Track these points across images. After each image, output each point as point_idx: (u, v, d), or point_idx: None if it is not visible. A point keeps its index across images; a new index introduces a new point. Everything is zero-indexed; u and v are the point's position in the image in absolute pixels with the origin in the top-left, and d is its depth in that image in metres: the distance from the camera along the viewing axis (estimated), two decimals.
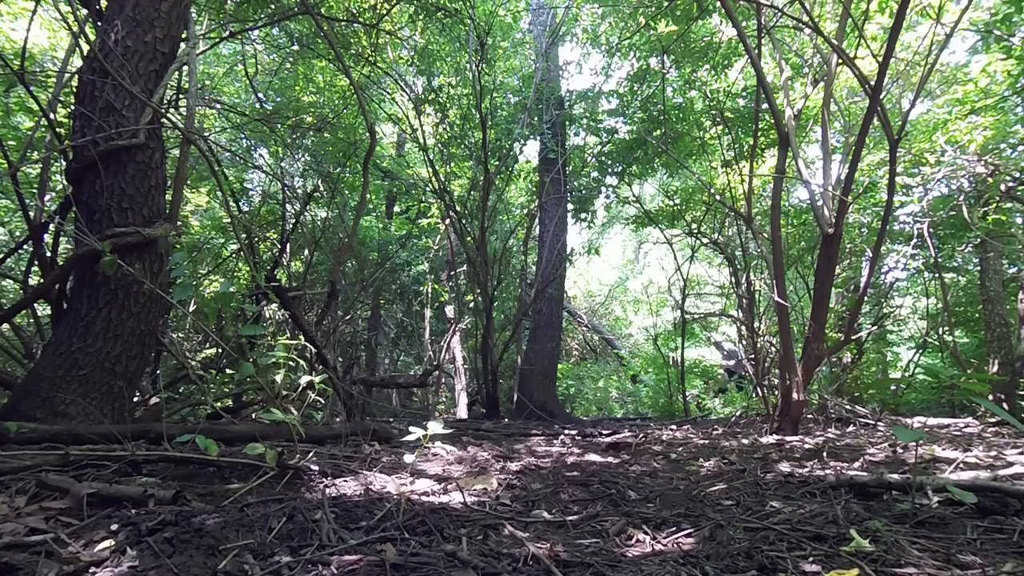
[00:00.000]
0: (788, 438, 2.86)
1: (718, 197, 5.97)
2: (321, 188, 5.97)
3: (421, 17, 5.20)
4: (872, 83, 2.49)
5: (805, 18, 3.32)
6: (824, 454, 2.14)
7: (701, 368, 10.31)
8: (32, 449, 1.56)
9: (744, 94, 6.02)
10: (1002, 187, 5.18)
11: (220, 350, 4.54)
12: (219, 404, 3.49)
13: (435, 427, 1.60)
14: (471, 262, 6.07)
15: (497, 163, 6.11)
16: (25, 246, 3.50)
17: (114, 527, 0.96)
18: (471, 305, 7.37)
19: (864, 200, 6.54)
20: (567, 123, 7.29)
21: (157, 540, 0.89)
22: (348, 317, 6.49)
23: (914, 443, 1.36)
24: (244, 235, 4.62)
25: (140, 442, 1.73)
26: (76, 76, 2.43)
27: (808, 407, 3.74)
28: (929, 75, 2.93)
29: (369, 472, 1.68)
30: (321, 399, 2.40)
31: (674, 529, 1.10)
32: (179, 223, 3.03)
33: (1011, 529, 1.06)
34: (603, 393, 10.86)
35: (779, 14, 3.72)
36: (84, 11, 2.69)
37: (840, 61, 3.76)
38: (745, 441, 2.89)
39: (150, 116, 2.35)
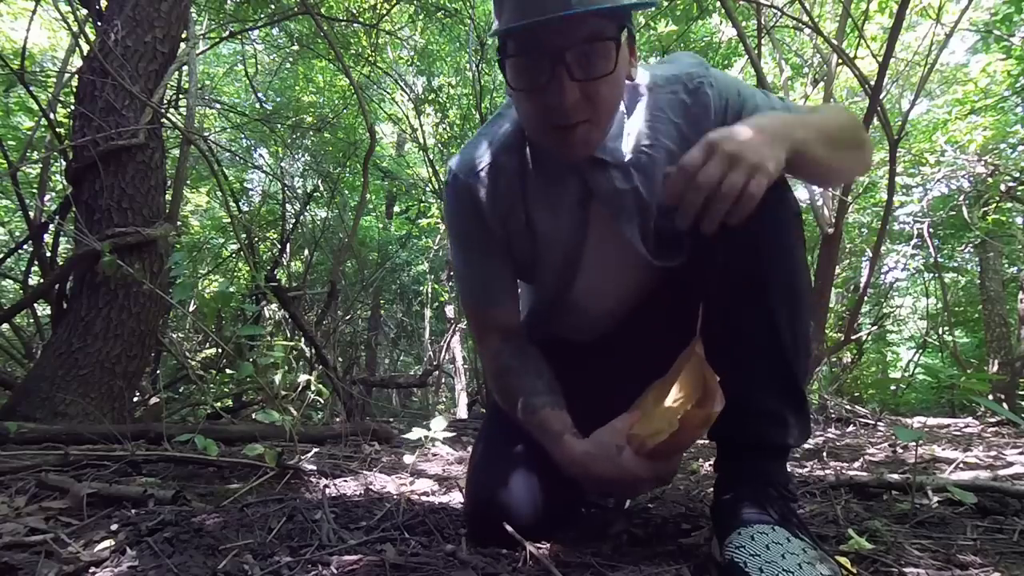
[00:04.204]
0: None
1: None
2: (321, 188, 5.97)
3: (421, 17, 5.20)
4: (872, 83, 2.49)
5: (805, 18, 3.32)
6: (824, 454, 2.14)
7: None
8: (32, 449, 1.56)
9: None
10: (1002, 187, 5.18)
11: (220, 350, 4.55)
12: (219, 404, 3.49)
13: (438, 425, 1.59)
14: None
15: None
16: (25, 246, 3.50)
17: (114, 527, 0.96)
18: None
19: (864, 200, 6.54)
20: None
21: (157, 540, 0.88)
22: (348, 317, 6.49)
23: (914, 443, 1.36)
24: (244, 235, 4.62)
25: (140, 442, 1.73)
26: (76, 76, 2.44)
27: (808, 407, 3.73)
28: (929, 75, 2.93)
29: (369, 472, 1.68)
30: (321, 399, 2.40)
31: (674, 529, 1.09)
32: (179, 223, 3.03)
33: (1011, 529, 1.06)
34: None
35: (779, 14, 3.72)
36: (84, 11, 2.69)
37: (840, 61, 3.76)
38: None
39: (150, 116, 2.35)
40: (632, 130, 0.93)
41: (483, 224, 1.00)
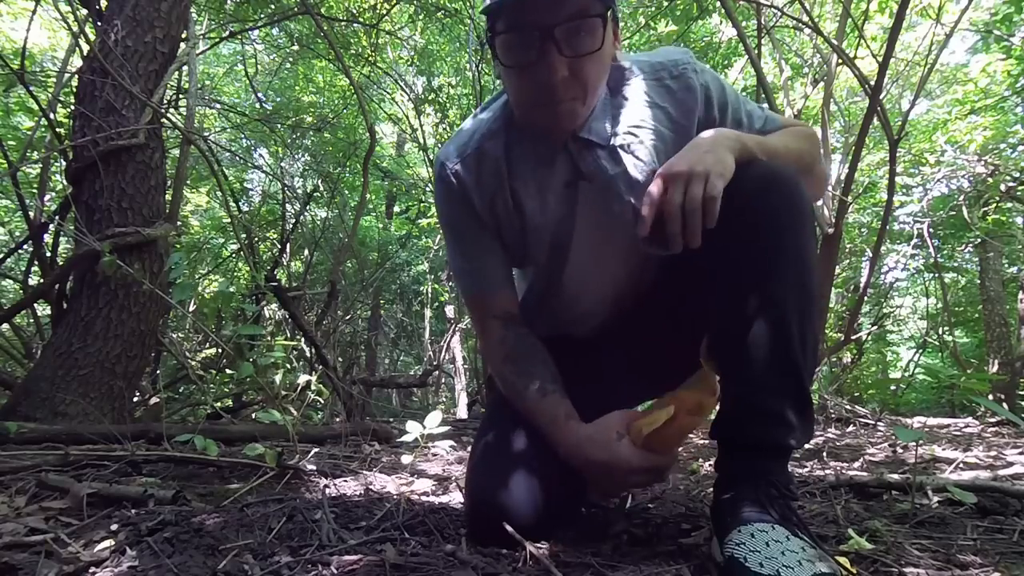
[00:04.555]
0: None
1: None
2: (321, 188, 5.97)
3: (421, 17, 5.20)
4: (872, 83, 2.49)
5: (805, 18, 3.32)
6: (824, 454, 2.14)
7: None
8: (32, 449, 1.56)
9: (744, 94, 6.01)
10: (1002, 187, 5.18)
11: (220, 350, 4.55)
12: (219, 404, 3.50)
13: (433, 420, 1.55)
14: None
15: None
16: (25, 246, 3.50)
17: (114, 527, 0.96)
18: None
19: (864, 200, 6.55)
20: None
21: (157, 540, 0.88)
22: (348, 317, 6.49)
23: (914, 443, 1.36)
24: (244, 235, 4.62)
25: (140, 442, 1.73)
26: (76, 76, 2.44)
27: (812, 408, 3.73)
28: (929, 75, 2.93)
29: (369, 472, 1.68)
30: (321, 399, 2.40)
31: (674, 529, 1.09)
32: (179, 223, 3.03)
33: (1011, 529, 1.06)
34: None
35: (779, 14, 3.72)
36: (84, 11, 2.69)
37: (840, 61, 3.76)
38: None
39: (150, 116, 2.35)
40: (618, 112, 0.96)
41: (473, 211, 1.02)
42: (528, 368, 1.00)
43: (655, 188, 0.80)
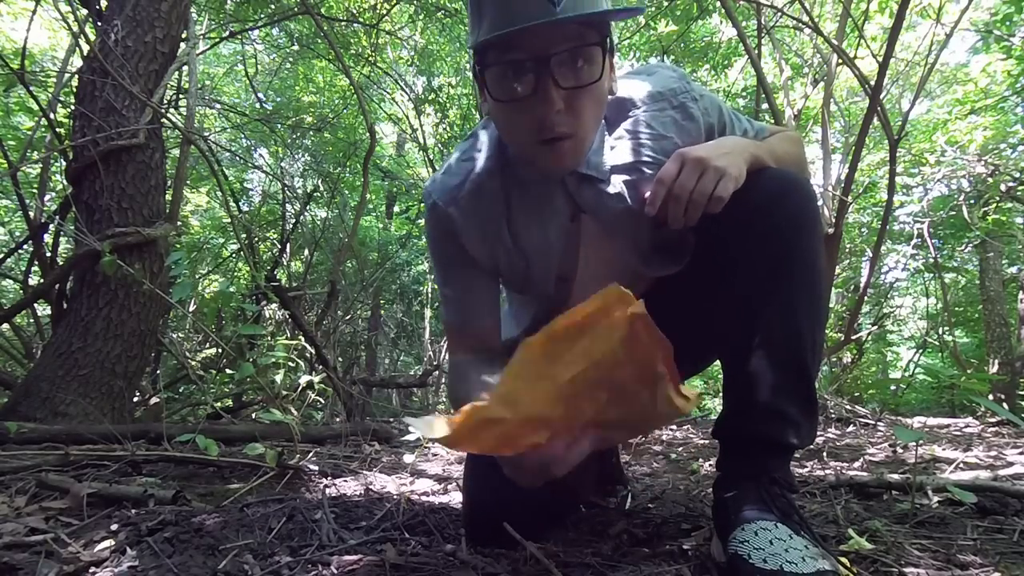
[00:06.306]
0: None
1: None
2: (321, 188, 5.97)
3: (421, 17, 5.20)
4: (872, 83, 2.49)
5: (805, 18, 3.32)
6: (824, 454, 2.14)
7: None
8: (32, 449, 1.56)
9: (744, 94, 6.03)
10: (1002, 187, 5.18)
11: (220, 350, 4.55)
12: (219, 404, 3.49)
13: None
14: None
15: None
16: (25, 246, 3.50)
17: (114, 527, 0.96)
18: None
19: (864, 200, 6.55)
20: None
21: (157, 540, 0.89)
22: (348, 317, 6.49)
23: (914, 443, 1.36)
24: (244, 235, 4.62)
25: (140, 442, 1.73)
26: (76, 76, 2.44)
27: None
28: (929, 75, 2.94)
29: (369, 472, 1.68)
30: (321, 399, 2.40)
31: (674, 529, 1.09)
32: (179, 223, 3.03)
33: (1011, 529, 1.06)
34: None
35: (779, 14, 3.72)
36: (84, 11, 2.69)
37: (840, 61, 3.76)
38: None
39: (150, 116, 2.35)
40: (617, 144, 0.93)
41: (463, 249, 0.99)
42: (470, 387, 0.94)
43: (671, 168, 0.80)
